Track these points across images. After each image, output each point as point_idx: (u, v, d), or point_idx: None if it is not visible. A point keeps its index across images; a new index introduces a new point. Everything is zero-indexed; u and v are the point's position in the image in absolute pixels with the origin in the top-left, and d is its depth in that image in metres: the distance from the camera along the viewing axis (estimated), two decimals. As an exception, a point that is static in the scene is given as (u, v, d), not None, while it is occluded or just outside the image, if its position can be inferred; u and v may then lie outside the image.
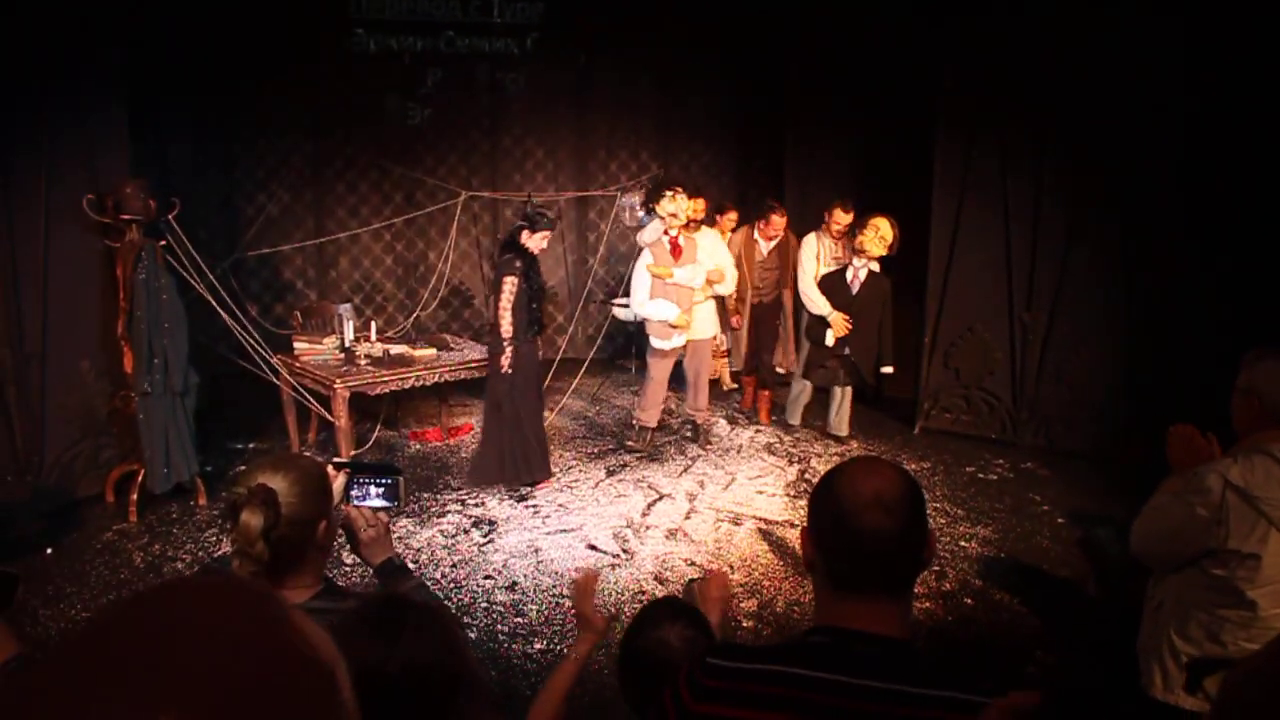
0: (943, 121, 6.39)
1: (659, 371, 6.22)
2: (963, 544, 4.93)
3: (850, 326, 6.16)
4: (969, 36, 6.20)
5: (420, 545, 4.82)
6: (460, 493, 5.53)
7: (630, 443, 6.32)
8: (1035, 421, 6.39)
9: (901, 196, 6.54)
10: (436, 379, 5.84)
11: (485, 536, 4.94)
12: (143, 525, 4.99)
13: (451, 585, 4.41)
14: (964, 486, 5.76)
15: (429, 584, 4.12)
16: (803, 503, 5.34)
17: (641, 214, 8.36)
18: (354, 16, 7.88)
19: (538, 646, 3.89)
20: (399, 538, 4.83)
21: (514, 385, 5.35)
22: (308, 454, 5.50)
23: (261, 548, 1.68)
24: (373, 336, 6.11)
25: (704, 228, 6.32)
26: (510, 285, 5.20)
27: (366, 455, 6.05)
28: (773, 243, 6.91)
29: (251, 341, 5.68)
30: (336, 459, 4.68)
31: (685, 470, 5.97)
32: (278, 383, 5.88)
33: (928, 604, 4.27)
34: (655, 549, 4.83)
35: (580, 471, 5.90)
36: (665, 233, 6.02)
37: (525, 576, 4.50)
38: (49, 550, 4.66)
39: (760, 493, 5.61)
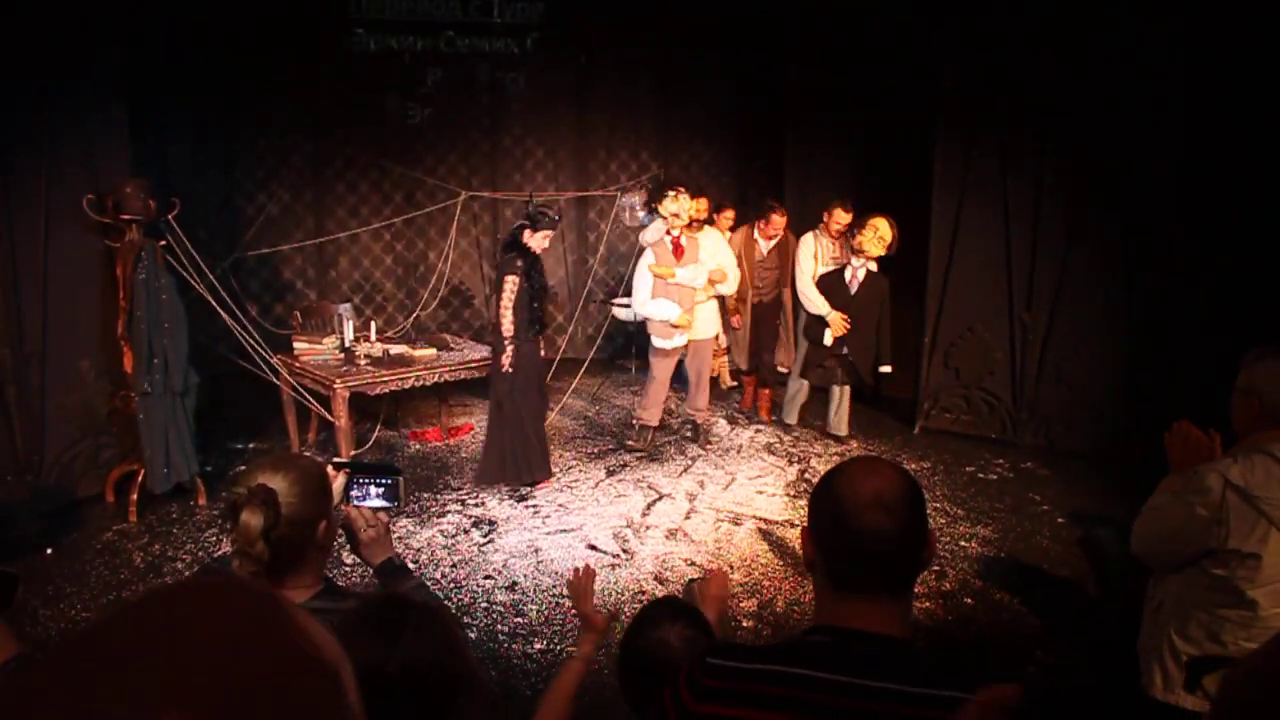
0: (943, 121, 6.39)
1: (661, 371, 6.22)
2: (963, 544, 4.93)
3: (848, 326, 6.17)
4: (969, 36, 6.20)
5: (420, 545, 4.82)
6: (460, 493, 5.53)
7: (631, 442, 6.32)
8: (1035, 421, 6.39)
9: (901, 196, 6.54)
10: (436, 379, 5.84)
11: (485, 536, 4.94)
12: (143, 525, 4.99)
13: (451, 585, 4.41)
14: (964, 486, 5.76)
15: (429, 584, 4.12)
16: (803, 503, 5.34)
17: (642, 214, 8.37)
18: (354, 16, 7.89)
19: (538, 646, 3.89)
20: (399, 538, 4.83)
21: (515, 384, 5.35)
22: (308, 454, 5.50)
23: (261, 548, 1.68)
24: (372, 336, 6.11)
25: (706, 227, 6.33)
26: (511, 284, 5.21)
27: (366, 455, 6.05)
28: (772, 242, 6.91)
29: (251, 341, 5.67)
30: (336, 459, 4.68)
31: (685, 470, 5.97)
32: (278, 383, 5.88)
33: (928, 604, 4.27)
34: (655, 549, 4.83)
35: (580, 471, 5.90)
36: (667, 232, 6.02)
37: (525, 576, 4.50)
38: (49, 550, 4.66)
39: (760, 493, 5.61)
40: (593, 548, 4.83)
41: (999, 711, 1.08)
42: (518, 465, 5.45)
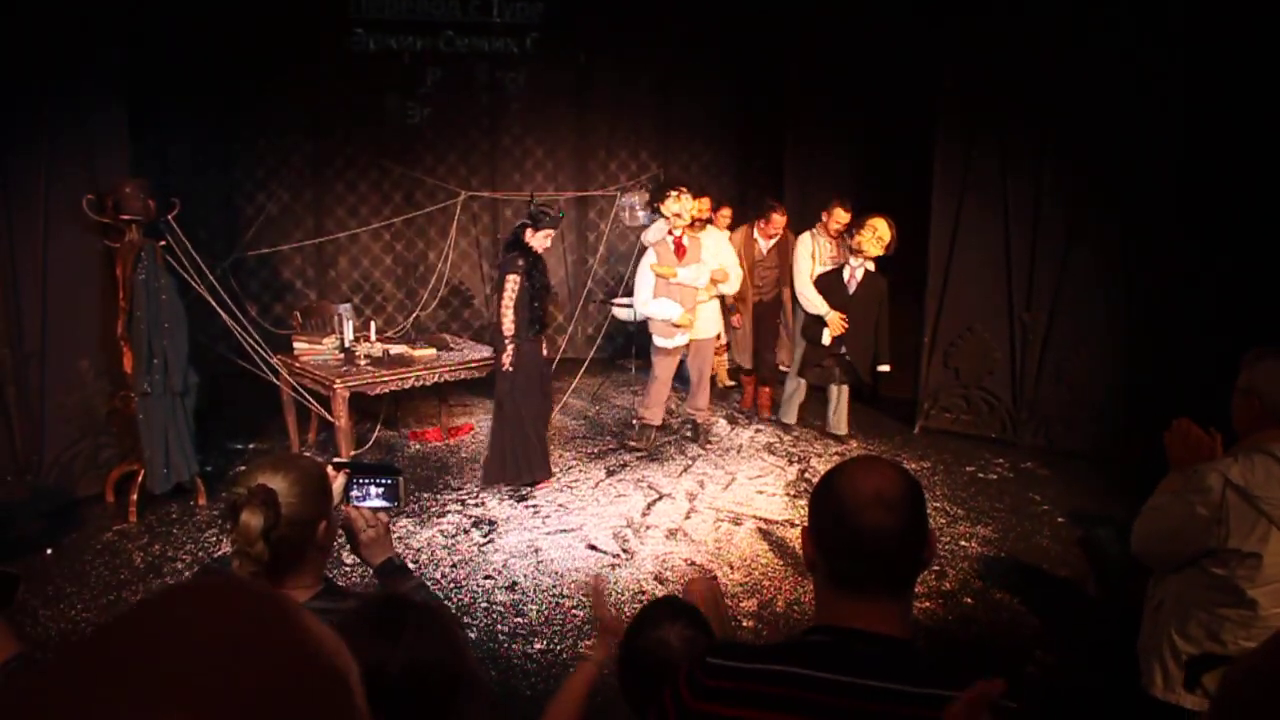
0: (943, 121, 6.39)
1: (663, 370, 6.23)
2: (963, 544, 4.93)
3: (846, 326, 6.18)
4: (969, 36, 6.19)
5: (420, 545, 4.82)
6: (460, 493, 5.53)
7: (633, 441, 6.32)
8: (1035, 421, 6.39)
9: (901, 196, 6.55)
10: (436, 379, 5.84)
11: (485, 536, 4.94)
12: (142, 525, 4.99)
13: (451, 585, 4.41)
14: (964, 486, 5.76)
15: (429, 584, 4.12)
16: (803, 502, 5.34)
17: (641, 214, 8.37)
18: (354, 16, 7.88)
19: (538, 646, 3.89)
20: (399, 538, 4.83)
21: (515, 384, 5.36)
22: (307, 454, 5.50)
23: (261, 548, 1.68)
24: (372, 336, 6.11)
25: (709, 227, 6.34)
26: (513, 283, 5.22)
27: (366, 455, 6.05)
28: (772, 241, 6.92)
29: (251, 341, 5.67)
30: (336, 459, 4.68)
31: (685, 470, 5.97)
32: (277, 383, 5.88)
33: (928, 604, 4.27)
34: (655, 549, 4.83)
35: (580, 471, 5.90)
36: (669, 232, 6.03)
37: (525, 576, 4.50)
38: (49, 550, 4.65)
39: (760, 492, 5.61)
40: (593, 548, 4.83)
41: (986, 707, 1.08)
42: (518, 465, 5.45)
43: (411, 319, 8.10)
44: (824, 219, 6.48)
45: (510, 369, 5.31)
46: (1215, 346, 4.30)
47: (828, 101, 7.66)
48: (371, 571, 2.07)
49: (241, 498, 1.71)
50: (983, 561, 4.73)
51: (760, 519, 5.22)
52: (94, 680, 0.53)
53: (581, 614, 4.16)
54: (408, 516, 5.12)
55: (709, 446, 6.39)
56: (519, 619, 4.11)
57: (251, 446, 6.31)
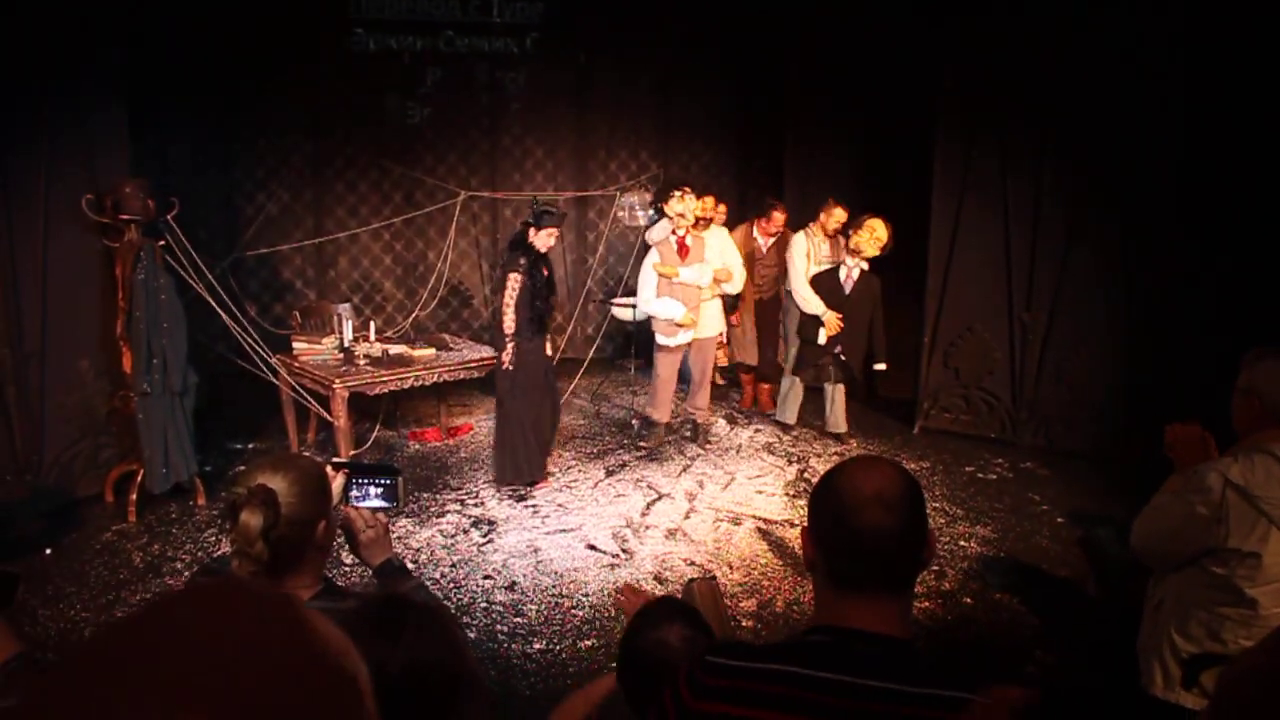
0: (943, 121, 6.39)
1: (666, 369, 6.25)
2: (962, 543, 4.93)
3: (842, 325, 6.19)
4: (969, 36, 6.19)
5: (419, 545, 4.82)
6: (459, 493, 5.53)
7: (643, 441, 6.35)
8: (1035, 421, 6.39)
9: (901, 196, 6.55)
10: (435, 379, 5.84)
11: (484, 536, 4.94)
12: (142, 525, 4.98)
13: (451, 585, 4.41)
14: (963, 486, 5.76)
15: (428, 584, 4.12)
16: (802, 502, 5.34)
17: (641, 213, 8.37)
18: (354, 16, 7.88)
19: (537, 646, 3.89)
20: (398, 538, 4.83)
21: (515, 382, 5.37)
22: (307, 454, 5.50)
23: (261, 548, 1.68)
24: (371, 336, 6.11)
25: (712, 226, 6.35)
26: (514, 282, 5.23)
27: (366, 455, 6.05)
28: (772, 239, 6.92)
29: (250, 341, 5.67)
30: (335, 459, 4.68)
31: (684, 470, 5.97)
32: (277, 383, 5.88)
33: (927, 604, 4.27)
34: (655, 549, 4.83)
35: (579, 471, 5.90)
36: (673, 232, 6.04)
37: (524, 576, 4.50)
38: (48, 550, 4.65)
39: (760, 492, 5.61)
40: (592, 548, 4.83)
41: (1007, 713, 1.08)
42: (517, 465, 5.46)
43: (411, 319, 8.10)
44: (821, 219, 6.48)
45: (510, 367, 5.32)
46: (1215, 346, 4.30)
47: (828, 101, 7.66)
48: (371, 572, 2.07)
49: (241, 497, 1.71)
50: (982, 561, 4.73)
51: (759, 519, 5.22)
52: (102, 682, 0.54)
53: (581, 614, 4.17)
54: (407, 516, 5.12)
55: (708, 446, 6.39)
56: (518, 619, 4.11)
57: (251, 446, 6.31)
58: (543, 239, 5.29)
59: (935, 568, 4.58)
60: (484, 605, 4.23)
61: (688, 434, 6.58)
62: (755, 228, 6.98)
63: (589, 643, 3.92)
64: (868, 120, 7.28)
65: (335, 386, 5.35)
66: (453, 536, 4.94)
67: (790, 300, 6.54)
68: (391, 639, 1.42)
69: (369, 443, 6.28)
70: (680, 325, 6.06)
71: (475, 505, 5.34)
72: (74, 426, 5.09)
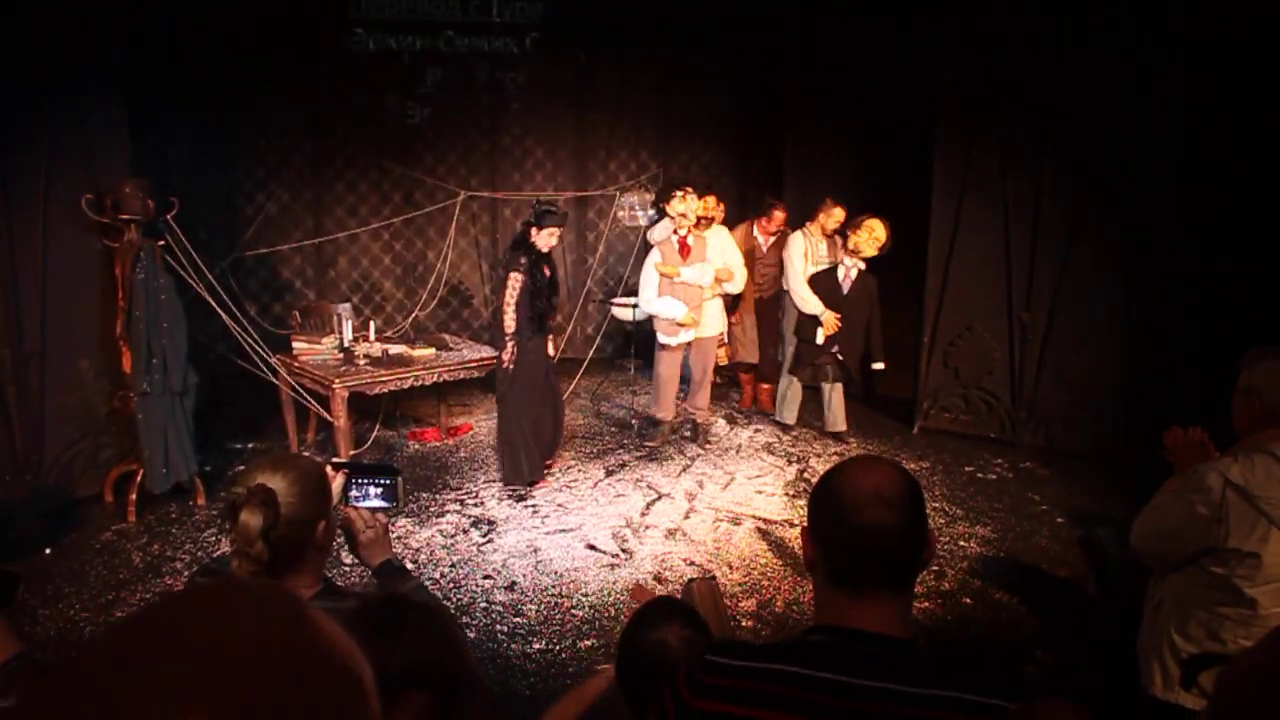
0: (943, 121, 6.39)
1: (667, 368, 6.26)
2: (962, 543, 4.93)
3: (841, 325, 6.20)
4: (969, 36, 6.19)
5: (419, 545, 4.82)
6: (459, 492, 5.53)
7: (649, 441, 6.38)
8: (1034, 421, 6.39)
9: (901, 196, 6.55)
10: (435, 379, 5.84)
11: (484, 536, 4.94)
12: (141, 525, 4.98)
13: (451, 585, 4.41)
14: (963, 486, 5.76)
15: (428, 584, 4.13)
16: (802, 502, 5.34)
17: (641, 213, 8.37)
18: (353, 16, 7.88)
19: (536, 646, 3.89)
20: (398, 538, 4.83)
21: (515, 382, 5.37)
22: (307, 454, 5.50)
23: (261, 548, 1.68)
24: (371, 336, 6.11)
25: (714, 225, 6.36)
26: (514, 282, 5.25)
27: (365, 455, 6.05)
28: (773, 239, 6.93)
29: (250, 341, 5.67)
30: (335, 459, 4.68)
31: (684, 470, 5.97)
32: (276, 382, 5.88)
33: (927, 604, 4.27)
34: (654, 549, 4.83)
35: (579, 471, 5.90)
36: (675, 232, 6.04)
37: (524, 576, 4.50)
38: (48, 550, 4.65)
39: (759, 492, 5.61)
40: (592, 547, 4.83)
41: None
42: (517, 464, 5.46)
43: (410, 319, 8.10)
44: (820, 218, 6.49)
45: (510, 367, 5.33)
46: (1215, 346, 4.30)
47: (828, 101, 7.66)
48: (370, 572, 2.07)
49: (241, 497, 1.71)
50: (982, 561, 4.73)
51: (759, 519, 5.22)
52: (103, 682, 0.54)
53: (580, 614, 4.17)
54: (406, 516, 5.12)
55: (708, 446, 6.39)
56: (518, 619, 4.11)
57: (250, 446, 6.31)
58: (544, 238, 5.30)
59: (935, 568, 4.58)
60: (484, 605, 4.23)
61: (688, 434, 6.58)
62: (756, 227, 6.98)
63: (589, 643, 3.92)
64: (868, 120, 7.28)
65: (335, 386, 5.35)
66: (452, 536, 4.94)
67: (788, 300, 6.54)
68: (391, 639, 1.42)
69: (369, 443, 6.27)
70: (681, 325, 6.08)
71: (475, 505, 5.34)
72: (74, 426, 5.09)
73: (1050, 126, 5.98)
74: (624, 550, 4.80)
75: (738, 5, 8.19)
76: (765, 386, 7.18)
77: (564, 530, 5.02)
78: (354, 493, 2.09)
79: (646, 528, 5.08)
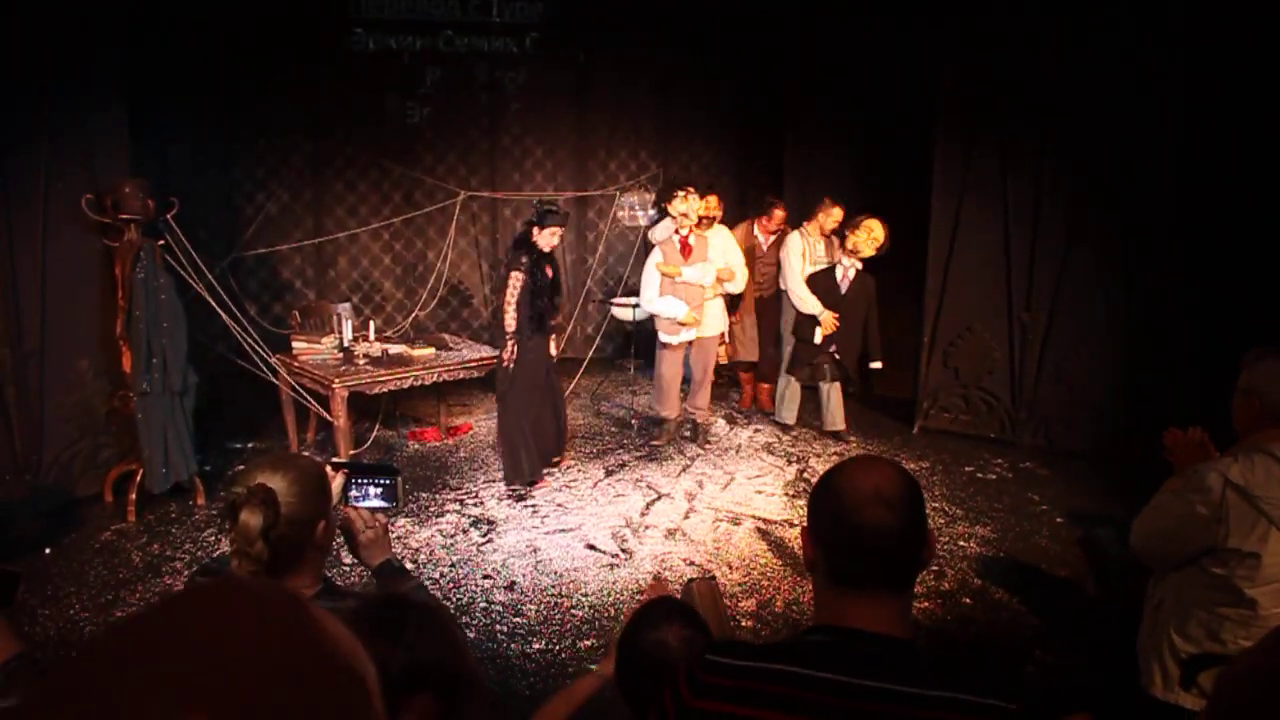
0: (943, 121, 6.39)
1: (669, 367, 6.27)
2: (961, 543, 4.93)
3: (838, 325, 6.21)
4: (969, 36, 6.19)
5: (419, 545, 4.82)
6: (459, 492, 5.53)
7: (655, 440, 6.39)
8: (1034, 421, 6.39)
9: (901, 196, 6.55)
10: (435, 379, 5.85)
11: (484, 536, 4.94)
12: (141, 525, 4.98)
13: (450, 585, 4.41)
14: (963, 486, 5.76)
15: (428, 584, 4.13)
16: (801, 502, 5.34)
17: (640, 213, 8.37)
18: (353, 16, 7.88)
19: (536, 646, 3.89)
20: (398, 538, 4.83)
21: (515, 381, 5.38)
22: (306, 454, 5.50)
23: (260, 547, 1.68)
24: (371, 336, 6.11)
25: (716, 225, 6.36)
26: (515, 281, 5.26)
27: (365, 455, 6.05)
28: (773, 237, 6.93)
29: (250, 341, 5.67)
30: (335, 459, 4.68)
31: (684, 470, 5.97)
32: (276, 382, 5.88)
33: (927, 604, 4.27)
34: (654, 549, 4.83)
35: (579, 471, 5.90)
36: (676, 231, 6.05)
37: (524, 576, 4.50)
38: (47, 550, 4.65)
39: (759, 492, 5.61)
40: (591, 547, 4.83)
41: None
42: (517, 463, 5.47)
43: (410, 319, 8.10)
44: (819, 218, 6.49)
45: (511, 365, 5.34)
46: (1215, 346, 4.30)
47: (828, 101, 7.66)
48: (370, 572, 2.07)
49: (240, 497, 1.71)
50: (982, 561, 4.73)
51: (759, 519, 5.22)
52: (103, 683, 0.54)
53: (580, 614, 4.17)
54: (406, 516, 5.12)
55: (708, 446, 6.39)
56: (518, 619, 4.11)
57: (250, 446, 6.31)
58: (546, 238, 5.31)
59: (935, 568, 4.58)
60: (483, 605, 4.23)
61: (687, 434, 6.58)
62: (756, 225, 6.98)
63: (588, 643, 3.92)
64: (868, 120, 7.28)
65: (335, 386, 5.35)
66: (452, 536, 4.94)
67: (786, 300, 6.55)
68: (391, 639, 1.42)
69: (368, 442, 6.27)
70: (683, 324, 6.08)
71: (474, 505, 5.34)
72: (73, 426, 5.09)
73: (1050, 126, 5.98)
74: (624, 550, 4.80)
75: (738, 5, 8.19)
76: (765, 386, 7.19)
77: (564, 530, 5.02)
78: (354, 493, 2.09)
79: (646, 528, 5.08)
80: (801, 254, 6.41)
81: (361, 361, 5.70)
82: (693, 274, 6.04)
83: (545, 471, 5.67)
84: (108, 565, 4.55)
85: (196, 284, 5.31)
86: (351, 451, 5.64)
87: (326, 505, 1.85)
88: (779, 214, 6.87)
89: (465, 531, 5.00)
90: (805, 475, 5.87)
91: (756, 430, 6.78)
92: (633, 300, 6.66)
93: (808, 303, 6.27)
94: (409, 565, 4.39)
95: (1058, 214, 6.07)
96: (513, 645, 3.90)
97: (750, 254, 6.82)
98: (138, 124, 5.42)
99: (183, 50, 7.05)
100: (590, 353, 8.15)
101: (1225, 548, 2.32)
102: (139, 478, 5.02)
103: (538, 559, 4.68)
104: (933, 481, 5.78)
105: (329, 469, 1.97)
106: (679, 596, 2.25)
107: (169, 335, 4.93)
